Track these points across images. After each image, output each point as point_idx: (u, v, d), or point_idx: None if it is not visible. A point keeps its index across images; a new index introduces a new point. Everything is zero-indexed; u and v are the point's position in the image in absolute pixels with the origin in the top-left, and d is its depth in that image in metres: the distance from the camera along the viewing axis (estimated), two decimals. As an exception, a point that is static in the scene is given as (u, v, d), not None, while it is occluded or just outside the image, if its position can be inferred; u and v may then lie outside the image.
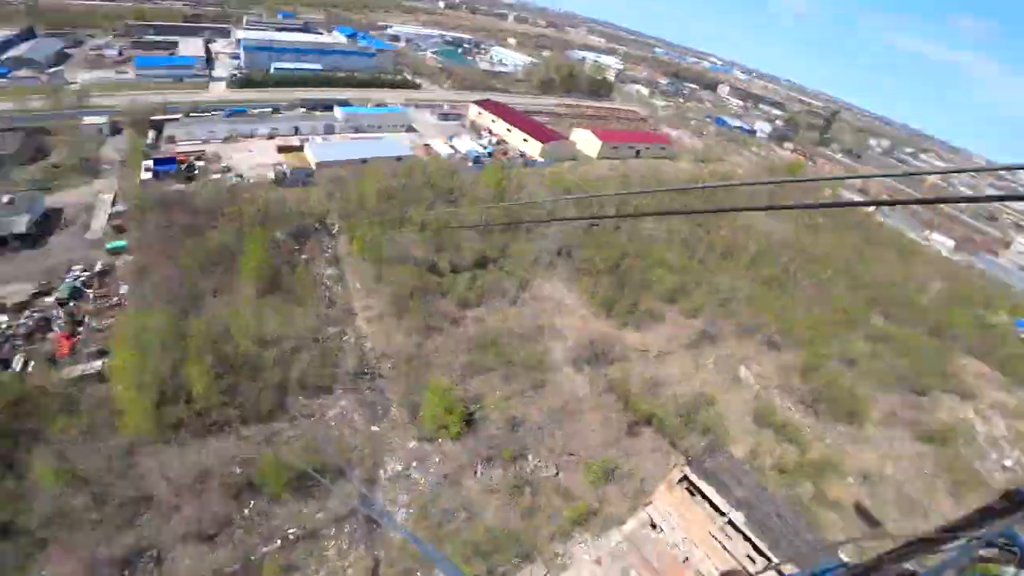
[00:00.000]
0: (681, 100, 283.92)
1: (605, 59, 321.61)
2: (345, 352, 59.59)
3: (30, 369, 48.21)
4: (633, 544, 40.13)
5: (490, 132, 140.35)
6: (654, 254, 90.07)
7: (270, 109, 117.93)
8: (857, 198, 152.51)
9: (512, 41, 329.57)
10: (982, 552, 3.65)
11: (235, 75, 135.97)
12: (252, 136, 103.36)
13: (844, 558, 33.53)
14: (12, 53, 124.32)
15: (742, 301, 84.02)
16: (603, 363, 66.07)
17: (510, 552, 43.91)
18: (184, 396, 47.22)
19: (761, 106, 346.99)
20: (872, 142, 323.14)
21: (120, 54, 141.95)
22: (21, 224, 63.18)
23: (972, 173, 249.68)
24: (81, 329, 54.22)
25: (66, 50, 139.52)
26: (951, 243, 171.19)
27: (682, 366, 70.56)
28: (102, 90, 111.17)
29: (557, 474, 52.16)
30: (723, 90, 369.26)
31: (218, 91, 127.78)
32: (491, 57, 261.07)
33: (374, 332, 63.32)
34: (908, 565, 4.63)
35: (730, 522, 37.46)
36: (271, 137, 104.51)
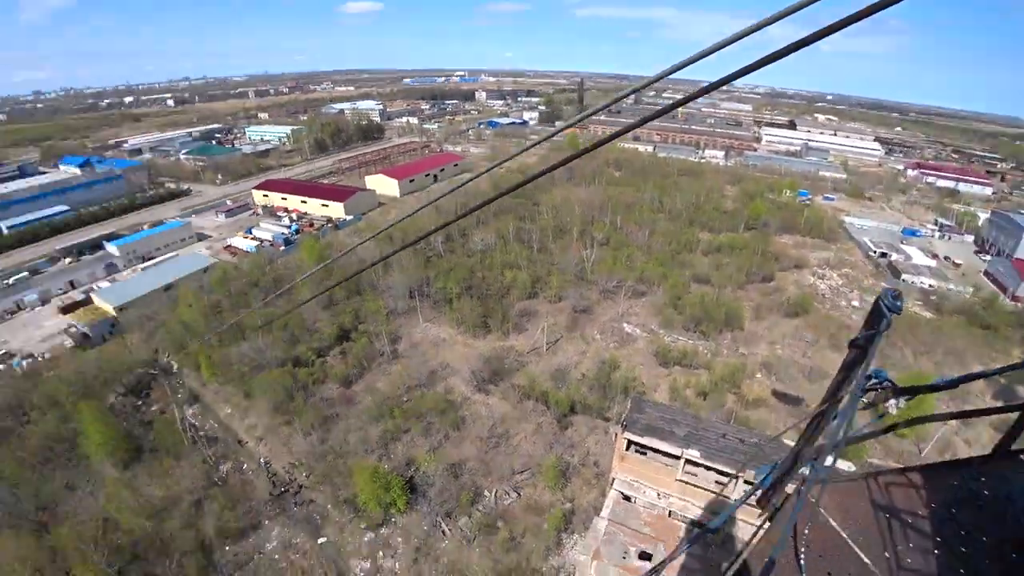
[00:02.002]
0: (450, 117, 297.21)
1: (363, 104, 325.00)
2: (252, 481, 53.07)
3: None
4: (618, 523, 41.13)
5: (286, 211, 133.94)
6: (496, 260, 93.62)
7: (28, 272, 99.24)
8: (639, 146, 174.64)
9: (264, 116, 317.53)
10: (864, 400, 4.16)
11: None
12: (21, 308, 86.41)
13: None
14: None
15: (593, 268, 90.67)
16: (505, 376, 66.72)
17: (515, 587, 42.74)
18: None
19: (520, 99, 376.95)
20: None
21: None
22: None
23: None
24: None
25: None
26: (721, 153, 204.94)
27: (574, 347, 73.91)
28: None
29: (519, 495, 51.67)
30: (481, 96, 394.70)
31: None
32: (250, 138, 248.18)
33: (271, 448, 57.22)
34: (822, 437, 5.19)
35: (688, 460, 39.93)
36: (46, 301, 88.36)
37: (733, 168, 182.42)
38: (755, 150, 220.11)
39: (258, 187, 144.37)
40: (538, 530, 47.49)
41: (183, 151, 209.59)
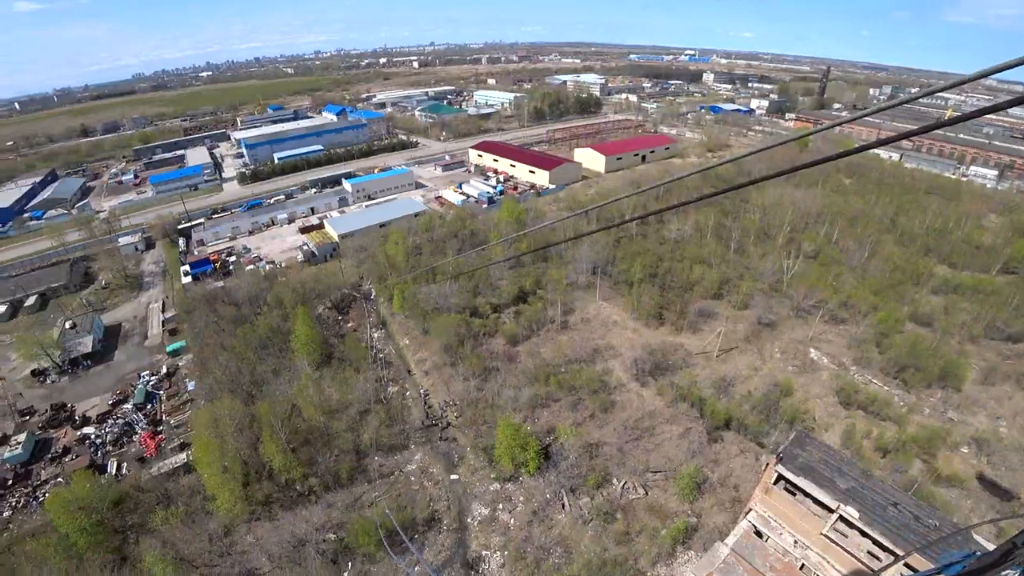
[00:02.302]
0: (671, 98, 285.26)
1: (585, 77, 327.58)
2: (410, 407, 60.04)
3: (124, 471, 52.81)
4: (741, 556, 37.74)
5: (495, 172, 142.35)
6: (688, 252, 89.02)
7: (284, 196, 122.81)
8: (882, 151, 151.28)
9: (492, 82, 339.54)
10: None
11: (243, 172, 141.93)
12: (274, 224, 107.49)
13: (981, 540, 30.37)
14: (41, 197, 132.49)
15: (792, 281, 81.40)
16: (667, 372, 64.39)
17: (615, 583, 42.17)
18: (266, 473, 49.69)
19: (751, 84, 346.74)
20: (873, 91, 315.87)
21: (136, 177, 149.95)
22: (87, 344, 69.30)
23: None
24: (161, 428, 58.26)
25: (88, 184, 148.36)
26: (993, 173, 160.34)
27: (748, 361, 67.94)
28: (127, 212, 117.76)
29: (646, 493, 50.23)
30: (708, 78, 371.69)
31: (232, 190, 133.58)
32: (476, 101, 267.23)
33: (433, 383, 63.61)
34: None
35: (841, 518, 34.74)
36: (292, 221, 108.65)
37: (1006, 193, 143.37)
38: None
39: (475, 147, 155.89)
40: (655, 534, 45.95)
41: (418, 108, 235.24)
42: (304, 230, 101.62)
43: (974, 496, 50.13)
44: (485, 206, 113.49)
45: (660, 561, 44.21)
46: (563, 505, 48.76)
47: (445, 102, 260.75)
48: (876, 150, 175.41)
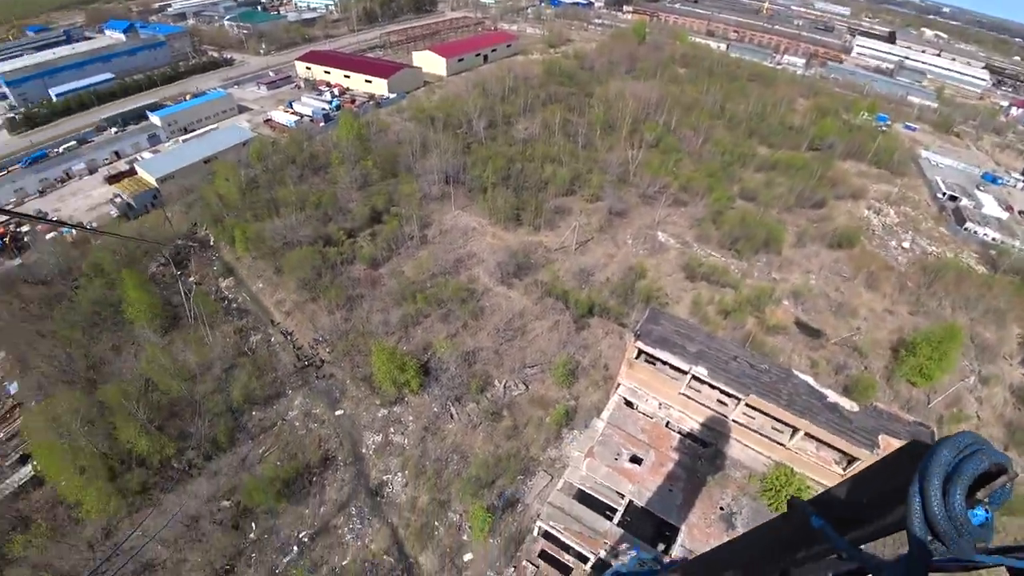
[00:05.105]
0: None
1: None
2: (278, 353, 56.80)
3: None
4: (616, 426, 42.34)
5: (328, 85, 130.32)
6: (538, 152, 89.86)
7: (75, 141, 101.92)
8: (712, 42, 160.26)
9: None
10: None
11: (12, 118, 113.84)
12: (70, 177, 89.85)
13: (799, 374, 37.17)
14: None
15: (637, 170, 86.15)
16: (530, 271, 66.62)
17: (512, 472, 45.52)
18: (134, 460, 45.17)
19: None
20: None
21: None
22: None
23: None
24: (-11, 448, 49.22)
25: None
26: (801, 61, 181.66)
27: (603, 250, 72.46)
28: None
29: (527, 388, 53.46)
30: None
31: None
32: (296, 5, 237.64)
33: (297, 323, 60.39)
34: None
35: (694, 377, 39.83)
36: (93, 171, 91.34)
37: (811, 79, 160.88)
38: (841, 62, 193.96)
39: (301, 58, 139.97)
40: (540, 423, 49.75)
41: (227, 17, 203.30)
42: (112, 179, 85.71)
43: (793, 339, 60.56)
44: (322, 124, 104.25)
45: (549, 445, 48.31)
46: (451, 415, 50.56)
47: (259, 8, 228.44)
48: (708, 40, 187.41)
